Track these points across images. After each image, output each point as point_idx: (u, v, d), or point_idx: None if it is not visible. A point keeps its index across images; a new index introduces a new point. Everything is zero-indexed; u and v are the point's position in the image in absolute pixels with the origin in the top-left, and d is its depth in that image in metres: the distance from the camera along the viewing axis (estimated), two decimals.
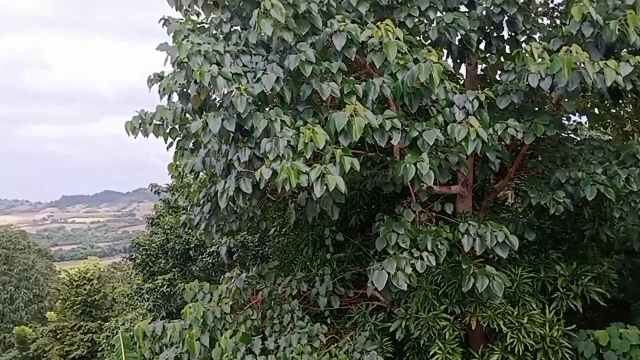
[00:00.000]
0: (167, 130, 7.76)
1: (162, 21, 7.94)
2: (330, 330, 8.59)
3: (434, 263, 6.74)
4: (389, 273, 6.54)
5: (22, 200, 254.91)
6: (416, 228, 7.10)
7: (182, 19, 7.91)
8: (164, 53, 6.85)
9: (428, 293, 7.63)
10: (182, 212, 17.69)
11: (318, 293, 8.82)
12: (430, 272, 7.66)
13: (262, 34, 6.53)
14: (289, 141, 6.17)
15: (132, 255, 19.19)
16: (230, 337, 8.23)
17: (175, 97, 7.34)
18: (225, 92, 6.42)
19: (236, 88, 6.24)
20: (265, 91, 6.47)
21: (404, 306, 7.97)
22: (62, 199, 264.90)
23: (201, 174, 8.20)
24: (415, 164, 6.20)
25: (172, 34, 7.67)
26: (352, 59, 6.80)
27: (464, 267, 7.14)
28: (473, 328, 7.53)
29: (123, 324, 18.28)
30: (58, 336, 27.44)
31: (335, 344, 8.29)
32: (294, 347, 8.00)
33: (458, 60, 7.78)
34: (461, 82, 8.73)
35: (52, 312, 31.98)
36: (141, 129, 7.68)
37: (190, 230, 13.01)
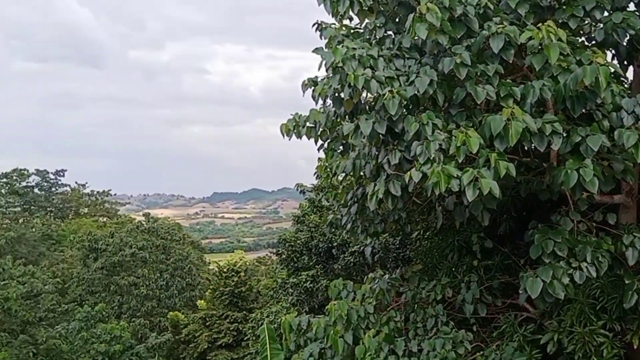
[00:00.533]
0: (319, 133, 8.05)
1: (316, 26, 8.22)
2: (475, 338, 8.40)
3: (594, 275, 6.37)
4: (544, 281, 6.29)
5: (178, 195, 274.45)
6: (574, 238, 6.74)
7: (334, 24, 8.14)
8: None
9: (585, 307, 7.20)
10: (327, 211, 18.20)
11: (464, 300, 8.64)
12: (587, 285, 7.23)
13: (416, 38, 6.55)
14: (440, 144, 6.14)
15: (278, 250, 20.03)
16: (374, 337, 8.32)
17: (326, 101, 7.62)
18: (378, 95, 6.54)
19: (389, 91, 6.33)
20: (418, 94, 6.48)
21: (556, 319, 7.58)
22: (213, 195, 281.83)
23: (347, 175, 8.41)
24: (577, 170, 5.91)
25: (326, 39, 7.93)
26: (510, 62, 6.60)
27: (627, 282, 6.68)
28: (635, 347, 7.01)
29: (268, 316, 19.13)
30: (207, 323, 29.29)
31: (481, 352, 8.09)
32: (438, 351, 7.92)
33: (625, 62, 7.27)
34: (627, 85, 8.15)
35: (202, 301, 34.19)
36: (295, 131, 8.02)
37: (335, 230, 13.31)
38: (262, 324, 16.19)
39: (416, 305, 8.87)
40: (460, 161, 6.02)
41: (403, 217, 8.91)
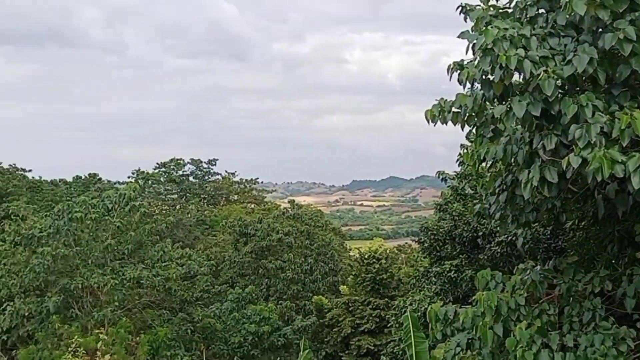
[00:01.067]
0: (465, 118, 7.83)
1: (460, 9, 7.99)
2: (638, 336, 7.79)
3: None
4: None
5: (319, 183, 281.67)
6: None
7: (480, 6, 7.86)
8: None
9: None
10: (470, 199, 17.73)
11: (625, 294, 8.04)
12: None
13: (573, 14, 6.15)
14: (601, 127, 5.74)
15: (420, 238, 19.86)
16: (526, 329, 8.01)
17: (474, 85, 7.38)
18: (531, 76, 6.23)
19: (543, 71, 6.01)
20: (576, 74, 6.09)
21: None
22: (353, 183, 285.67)
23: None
24: None
25: (472, 22, 7.68)
26: None
27: None
28: None
29: (410, 304, 19.08)
30: (350, 309, 29.86)
31: None
32: (597, 347, 7.45)
33: None
34: None
35: (345, 286, 34.88)
36: (440, 116, 7.87)
37: (481, 219, 12.88)
38: (404, 311, 16.16)
39: (571, 299, 8.39)
40: (624, 145, 5.59)
41: (557, 205, 8.44)
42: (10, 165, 58.59)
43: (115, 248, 22.35)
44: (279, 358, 24.33)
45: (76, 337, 8.62)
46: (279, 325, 26.74)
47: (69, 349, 8.57)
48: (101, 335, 9.78)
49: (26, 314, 20.89)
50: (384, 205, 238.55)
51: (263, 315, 25.74)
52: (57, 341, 18.54)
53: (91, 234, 22.48)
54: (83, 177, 58.19)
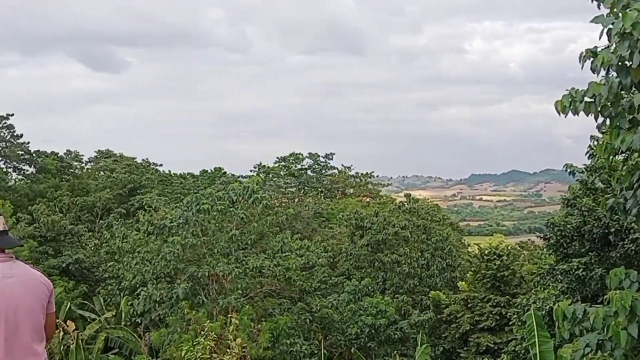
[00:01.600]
0: (599, 108, 7.39)
1: None
2: None
3: None
4: None
5: (435, 177, 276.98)
6: None
7: None
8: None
9: None
10: (602, 194, 16.70)
11: None
12: None
13: None
14: None
15: (546, 235, 19.02)
16: None
17: (609, 73, 6.96)
18: None
19: None
20: None
21: None
22: (471, 177, 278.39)
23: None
24: None
25: (607, 6, 7.23)
26: None
27: None
28: None
29: (534, 302, 18.32)
30: (468, 305, 29.16)
31: None
32: None
33: None
34: None
35: (463, 282, 34.13)
36: (571, 107, 7.49)
37: (614, 215, 12.11)
38: (527, 309, 15.59)
39: None
40: None
41: None
42: (143, 160, 62.96)
43: (239, 238, 23.36)
44: (395, 351, 24.28)
45: (208, 321, 9.15)
46: (395, 319, 26.69)
47: (202, 332, 9.10)
48: (233, 319, 10.29)
49: (158, 299, 22.38)
50: (505, 200, 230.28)
51: (379, 308, 25.81)
52: (186, 325, 19.71)
53: (217, 224, 23.64)
54: (209, 171, 61.20)
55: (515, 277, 29.60)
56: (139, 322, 24.49)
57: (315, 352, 21.99)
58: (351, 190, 61.88)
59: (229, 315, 16.07)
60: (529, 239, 60.98)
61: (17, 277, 3.50)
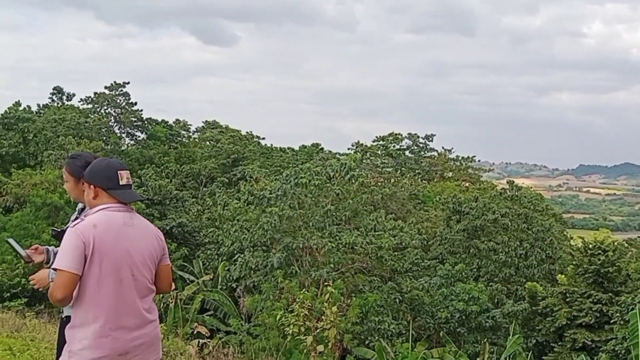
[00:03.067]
0: None
1: None
2: None
3: None
4: None
5: (540, 166, 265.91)
6: None
7: None
8: None
9: None
10: None
11: None
12: None
13: None
14: None
15: None
16: None
17: None
18: None
19: None
20: None
21: None
22: (579, 168, 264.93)
23: None
24: None
25: None
26: None
27: None
28: None
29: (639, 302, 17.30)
30: (567, 299, 27.94)
31: None
32: None
33: None
34: None
35: (563, 276, 32.68)
36: None
37: None
38: (632, 309, 14.75)
39: None
40: None
41: None
42: (247, 132, 64.80)
43: (334, 214, 23.64)
44: (485, 339, 23.76)
45: (304, 290, 9.39)
46: (488, 307, 26.07)
47: (295, 301, 9.35)
48: (329, 287, 10.47)
49: (253, 266, 23.14)
50: (615, 194, 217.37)
51: (472, 295, 25.28)
52: (279, 293, 20.28)
53: (313, 199, 24.02)
54: (307, 147, 62.07)
55: (620, 274, 28.01)
56: (234, 287, 25.44)
57: (403, 332, 21.92)
58: (450, 174, 60.66)
59: (324, 285, 16.36)
60: (638, 237, 57.43)
61: (137, 227, 3.63)
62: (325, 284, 11.67)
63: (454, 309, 24.94)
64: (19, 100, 56.06)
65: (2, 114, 51.01)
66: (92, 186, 3.66)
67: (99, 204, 3.59)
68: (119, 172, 3.67)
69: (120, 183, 3.64)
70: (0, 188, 35.93)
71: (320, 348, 8.28)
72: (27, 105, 56.06)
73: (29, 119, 49.61)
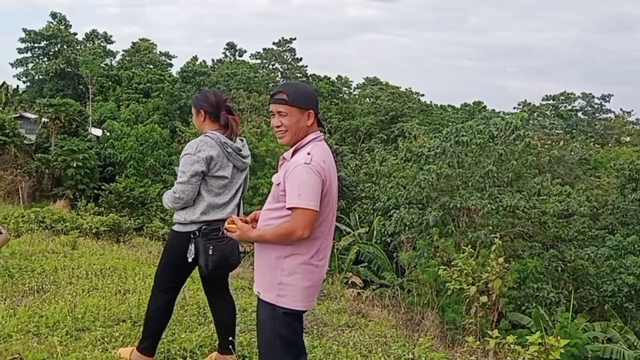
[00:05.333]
0: None
1: None
2: None
3: None
4: None
5: None
6: None
7: None
8: None
9: None
10: None
11: None
12: None
13: None
14: None
15: None
16: None
17: None
18: None
19: None
20: None
21: None
22: None
23: None
24: None
25: None
26: None
27: None
28: None
29: None
30: None
31: None
32: None
33: None
34: None
35: None
36: None
37: None
38: None
39: None
40: None
41: None
42: (406, 89, 64.27)
43: (495, 175, 22.82)
44: None
45: (467, 251, 9.30)
46: None
47: (460, 256, 9.30)
48: (497, 240, 10.32)
49: (408, 222, 23.20)
50: None
51: None
52: (434, 251, 20.23)
53: (474, 158, 23.35)
54: (469, 105, 60.22)
55: None
56: (389, 242, 25.76)
57: (563, 302, 20.89)
58: (627, 139, 55.68)
59: (481, 247, 16.05)
60: None
61: None
62: (493, 243, 11.41)
63: (622, 283, 23.21)
64: (195, 56, 60.39)
65: (181, 68, 55.27)
66: (311, 112, 3.52)
67: (311, 131, 3.51)
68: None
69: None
70: (179, 137, 39.25)
71: (484, 299, 8.17)
72: (203, 60, 60.23)
73: (205, 73, 53.28)
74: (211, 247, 4.24)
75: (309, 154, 3.36)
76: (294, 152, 3.45)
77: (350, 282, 22.04)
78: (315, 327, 6.40)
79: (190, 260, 4.34)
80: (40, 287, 7.24)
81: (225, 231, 3.55)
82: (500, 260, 8.71)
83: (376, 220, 27.10)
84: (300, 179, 3.28)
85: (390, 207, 25.22)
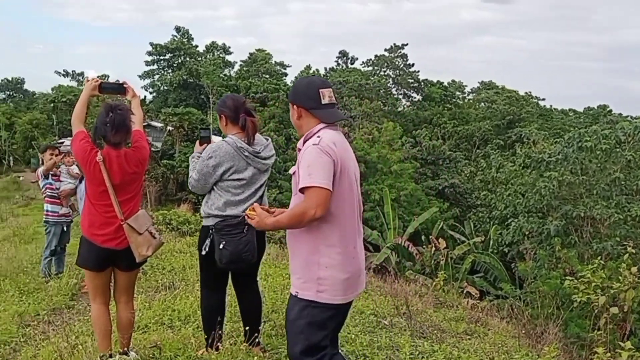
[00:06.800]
0: None
1: None
2: None
3: None
4: None
5: None
6: None
7: None
8: None
9: None
10: None
11: None
12: None
13: None
14: None
15: None
16: None
17: None
18: None
19: None
20: None
21: None
22: None
23: None
24: None
25: None
26: None
27: None
28: None
29: None
30: None
31: None
32: None
33: None
34: None
35: None
36: None
37: None
38: None
39: None
40: None
41: None
42: (525, 93, 61.92)
43: (623, 182, 21.42)
44: None
45: (597, 262, 8.81)
46: None
47: (586, 268, 8.85)
48: (630, 249, 9.74)
49: (527, 232, 22.28)
50: None
51: None
52: (555, 262, 19.28)
53: (599, 165, 22.05)
54: (593, 108, 57.03)
55: None
56: (506, 252, 24.90)
57: None
58: None
59: (607, 259, 15.09)
60: None
61: (350, 149, 3.58)
62: (608, 257, 10.66)
63: None
64: (309, 65, 61.67)
65: (295, 77, 56.61)
66: (295, 106, 3.54)
67: (306, 126, 3.50)
68: (320, 90, 3.47)
69: (322, 102, 3.46)
70: (294, 144, 40.11)
71: (614, 310, 7.69)
72: (316, 69, 61.36)
73: None
74: (223, 242, 4.34)
75: (318, 137, 3.36)
76: (304, 142, 3.47)
77: (465, 292, 21.55)
78: (435, 332, 6.35)
79: (203, 253, 4.49)
80: (171, 283, 7.76)
81: (245, 217, 3.63)
82: (634, 269, 8.15)
83: (492, 230, 26.30)
84: (309, 159, 3.28)
85: (508, 216, 24.38)
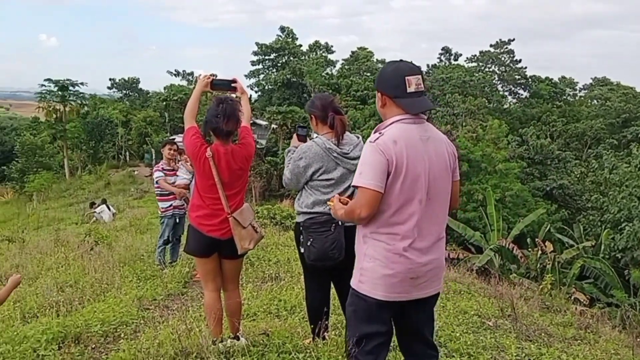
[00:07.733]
0: None
1: None
2: None
3: None
4: None
5: None
6: None
7: None
8: None
9: None
10: None
11: None
12: None
13: None
14: None
15: None
16: None
17: None
18: None
19: None
20: None
21: None
22: None
23: None
24: None
25: None
26: None
27: None
28: None
29: None
30: None
31: None
32: None
33: None
34: None
35: None
36: None
37: None
38: None
39: None
40: None
41: None
42: None
43: None
44: None
45: None
46: None
47: None
48: None
49: None
50: None
51: None
52: None
53: None
54: None
55: None
56: (619, 257, 23.55)
57: None
58: None
59: None
60: None
61: (432, 141, 3.34)
62: None
63: None
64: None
65: None
66: (379, 93, 3.38)
67: (389, 115, 3.35)
68: (406, 78, 3.26)
69: (408, 91, 3.26)
70: None
71: None
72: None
73: None
74: (310, 239, 4.40)
75: (380, 132, 3.26)
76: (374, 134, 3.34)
77: (573, 297, 20.62)
78: (542, 336, 6.20)
79: (302, 250, 4.57)
80: (276, 274, 8.04)
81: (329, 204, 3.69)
82: None
83: (604, 234, 24.93)
84: (363, 157, 3.23)
85: (622, 220, 23.06)
